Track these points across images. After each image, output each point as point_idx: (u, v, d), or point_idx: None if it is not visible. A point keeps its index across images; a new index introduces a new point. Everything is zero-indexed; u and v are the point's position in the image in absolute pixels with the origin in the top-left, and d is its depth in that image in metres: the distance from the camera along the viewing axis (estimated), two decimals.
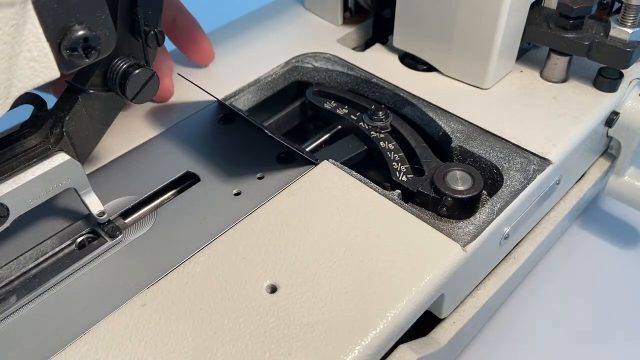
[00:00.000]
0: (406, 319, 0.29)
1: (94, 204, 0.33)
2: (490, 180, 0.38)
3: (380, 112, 0.40)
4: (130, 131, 0.41)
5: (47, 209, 0.34)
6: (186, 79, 0.43)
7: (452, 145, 0.39)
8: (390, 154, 0.38)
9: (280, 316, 0.28)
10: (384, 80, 0.44)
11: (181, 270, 0.31)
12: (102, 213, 0.33)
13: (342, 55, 0.47)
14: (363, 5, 0.51)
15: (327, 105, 0.43)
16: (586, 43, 0.41)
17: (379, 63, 0.47)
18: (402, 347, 0.32)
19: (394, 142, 0.39)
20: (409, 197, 0.36)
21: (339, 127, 0.42)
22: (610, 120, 0.43)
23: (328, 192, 0.35)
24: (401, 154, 0.38)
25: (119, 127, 0.40)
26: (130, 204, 0.35)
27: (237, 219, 0.34)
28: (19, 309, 0.30)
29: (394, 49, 0.48)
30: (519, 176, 0.36)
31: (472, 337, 0.42)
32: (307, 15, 0.54)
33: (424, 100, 0.42)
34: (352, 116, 0.42)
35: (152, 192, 0.36)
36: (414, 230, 0.33)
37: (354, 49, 0.51)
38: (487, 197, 0.37)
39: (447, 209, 0.34)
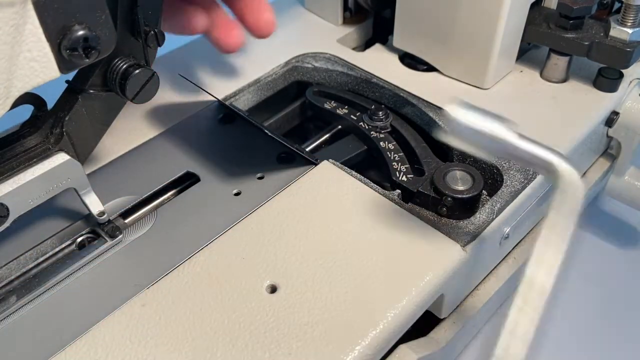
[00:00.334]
0: (406, 319, 0.29)
1: (94, 204, 0.33)
2: (490, 180, 0.38)
3: (380, 112, 0.40)
4: (130, 131, 0.41)
5: (47, 209, 0.34)
6: (186, 79, 0.43)
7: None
8: (390, 154, 0.38)
9: (280, 316, 0.28)
10: (384, 80, 0.44)
11: (181, 270, 0.31)
12: (102, 213, 0.33)
13: (342, 55, 0.47)
14: (363, 5, 0.51)
15: (327, 105, 0.43)
16: (586, 43, 0.41)
17: (379, 63, 0.47)
18: (402, 347, 0.32)
19: (394, 142, 0.39)
20: (409, 197, 0.36)
21: (339, 127, 0.42)
22: (610, 120, 0.43)
23: (328, 192, 0.35)
24: (401, 154, 0.38)
25: (119, 127, 0.40)
26: (130, 204, 0.35)
27: (237, 219, 0.34)
28: (19, 309, 0.30)
29: (394, 49, 0.48)
30: (519, 176, 0.36)
31: (472, 337, 0.42)
32: (307, 15, 0.54)
33: (424, 100, 0.42)
34: (352, 116, 0.42)
35: (152, 192, 0.36)
36: (414, 230, 0.33)
37: (354, 49, 0.51)
38: (487, 197, 0.37)
39: (447, 209, 0.34)
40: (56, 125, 0.31)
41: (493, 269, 0.39)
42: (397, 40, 0.47)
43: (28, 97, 0.31)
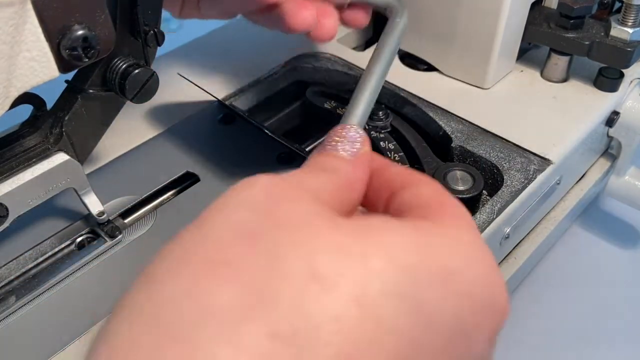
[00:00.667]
0: None
1: (94, 204, 0.33)
2: (491, 180, 0.37)
3: (380, 112, 0.40)
4: (130, 131, 0.40)
5: (47, 209, 0.34)
6: (186, 79, 0.43)
7: (453, 145, 0.39)
8: (390, 154, 0.38)
9: None
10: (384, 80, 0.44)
11: None
12: (101, 213, 0.33)
13: (342, 55, 0.47)
14: None
15: (327, 105, 0.43)
16: (587, 43, 0.41)
17: None
18: None
19: (394, 142, 0.39)
20: None
21: None
22: (611, 120, 0.43)
23: None
24: (401, 153, 0.38)
25: (118, 127, 0.40)
26: (130, 204, 0.35)
27: None
28: (19, 309, 0.29)
29: None
30: (520, 176, 0.36)
31: None
32: None
33: (424, 100, 0.42)
34: None
35: (152, 192, 0.36)
36: None
37: (354, 48, 0.51)
38: (488, 197, 0.37)
39: None
40: (56, 125, 0.31)
41: None
42: None
43: (27, 97, 0.31)
